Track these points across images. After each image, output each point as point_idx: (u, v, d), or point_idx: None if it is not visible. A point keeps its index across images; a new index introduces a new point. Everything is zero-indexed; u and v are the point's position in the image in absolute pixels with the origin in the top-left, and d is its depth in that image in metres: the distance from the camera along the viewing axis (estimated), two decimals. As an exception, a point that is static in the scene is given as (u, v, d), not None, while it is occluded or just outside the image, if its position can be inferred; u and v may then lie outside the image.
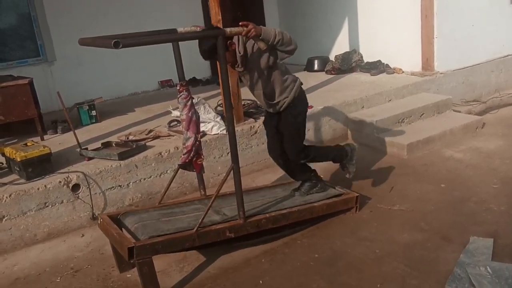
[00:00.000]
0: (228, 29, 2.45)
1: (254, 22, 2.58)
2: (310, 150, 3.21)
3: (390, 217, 3.21)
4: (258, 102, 3.31)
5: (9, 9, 5.69)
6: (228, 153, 3.75)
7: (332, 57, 6.77)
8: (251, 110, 4.52)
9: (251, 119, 4.30)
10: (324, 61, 6.79)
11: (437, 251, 2.73)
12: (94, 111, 5.04)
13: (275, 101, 2.97)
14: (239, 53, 2.75)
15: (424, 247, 2.79)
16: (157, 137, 4.09)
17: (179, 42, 2.79)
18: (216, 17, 3.81)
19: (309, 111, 3.56)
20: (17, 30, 5.76)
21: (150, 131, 4.28)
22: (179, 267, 2.83)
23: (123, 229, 2.76)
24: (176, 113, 4.35)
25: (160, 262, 2.81)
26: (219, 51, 2.45)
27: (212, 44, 2.52)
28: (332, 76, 6.33)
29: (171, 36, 2.33)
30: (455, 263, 2.55)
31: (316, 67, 6.83)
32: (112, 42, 2.08)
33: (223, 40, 2.45)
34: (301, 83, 3.06)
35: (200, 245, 2.68)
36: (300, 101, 3.05)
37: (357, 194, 3.30)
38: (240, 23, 2.54)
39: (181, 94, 2.86)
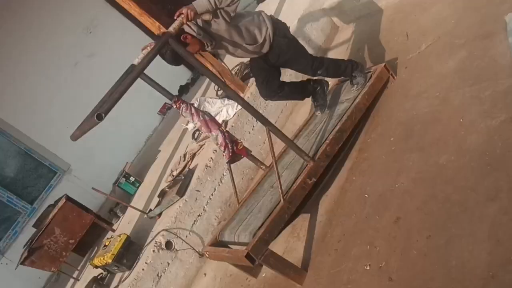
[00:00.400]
0: (170, 28, 2.38)
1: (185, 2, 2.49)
2: (322, 58, 3.16)
3: (425, 58, 3.09)
4: (247, 59, 3.23)
5: (7, 156, 5.82)
6: (257, 121, 3.73)
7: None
8: (246, 72, 4.45)
9: (252, 78, 4.23)
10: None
11: (485, 49, 2.62)
12: (131, 177, 5.13)
13: (261, 40, 2.88)
14: (200, 35, 2.66)
15: (472, 56, 2.68)
16: (193, 156, 4.11)
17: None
18: (154, 25, 3.72)
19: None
20: (24, 168, 5.90)
21: (184, 155, 4.31)
22: (295, 237, 2.87)
23: (229, 245, 2.83)
24: (190, 125, 4.35)
25: (277, 245, 2.87)
26: (179, 52, 2.39)
27: (171, 51, 2.46)
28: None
29: (134, 75, 2.27)
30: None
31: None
32: (95, 118, 2.08)
33: (174, 41, 2.38)
34: (269, 15, 2.97)
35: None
36: (277, 23, 2.97)
37: (383, 64, 3.18)
38: (175, 16, 2.46)
39: (181, 108, 2.83)
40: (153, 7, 3.63)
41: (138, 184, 5.11)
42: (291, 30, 4.24)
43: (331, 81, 3.56)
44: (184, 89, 6.71)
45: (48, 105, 6.06)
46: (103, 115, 2.05)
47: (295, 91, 3.29)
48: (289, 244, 2.86)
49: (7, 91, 5.84)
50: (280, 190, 2.57)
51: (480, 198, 2.00)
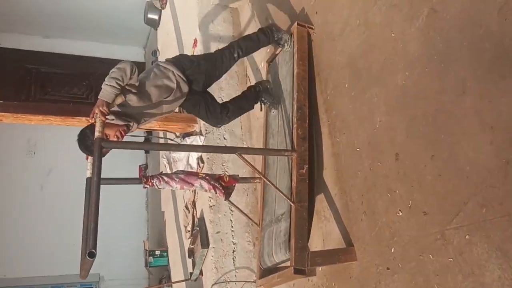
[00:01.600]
0: (96, 133, 2.27)
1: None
2: (233, 43, 3.12)
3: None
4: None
5: None
6: (225, 137, 3.71)
7: None
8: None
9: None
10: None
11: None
12: (156, 251, 5.08)
13: (175, 85, 2.79)
14: (113, 120, 2.58)
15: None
16: (194, 204, 4.08)
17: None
18: (82, 121, 3.59)
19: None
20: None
21: (186, 207, 4.27)
22: (324, 221, 2.87)
23: (275, 267, 2.82)
24: (174, 189, 4.30)
25: (315, 239, 2.87)
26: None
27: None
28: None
29: (94, 191, 2.15)
30: None
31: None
32: (88, 257, 2.04)
33: (107, 142, 2.33)
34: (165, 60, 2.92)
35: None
36: (176, 60, 2.92)
37: (296, 22, 3.11)
38: (90, 118, 2.39)
39: (154, 185, 2.78)
40: (67, 107, 3.54)
41: (165, 253, 5.09)
42: (198, 40, 4.21)
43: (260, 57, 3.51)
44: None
45: (42, 238, 6.00)
46: (94, 251, 2.01)
47: (241, 105, 3.21)
48: (323, 231, 2.86)
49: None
50: (284, 197, 2.55)
51: (452, 98, 1.99)
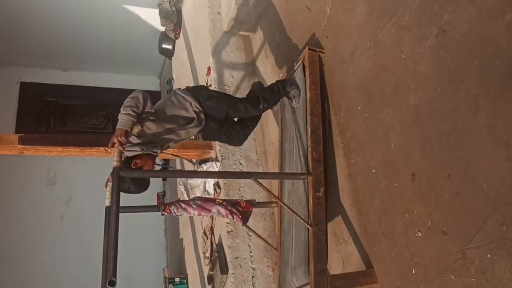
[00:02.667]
0: (114, 163, 2.34)
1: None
2: (253, 92, 3.14)
3: (336, 19, 3.07)
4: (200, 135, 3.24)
5: None
6: (240, 162, 3.73)
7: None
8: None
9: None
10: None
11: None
12: (175, 278, 5.08)
13: (194, 115, 2.85)
14: (143, 149, 2.64)
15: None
16: (211, 229, 4.08)
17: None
18: (100, 151, 3.68)
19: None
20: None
21: (205, 233, 4.27)
22: (343, 243, 2.85)
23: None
24: (192, 215, 4.32)
25: (334, 262, 2.85)
26: (139, 176, 2.40)
27: (131, 180, 2.46)
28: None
29: (113, 221, 2.19)
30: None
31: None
32: (107, 285, 2.06)
33: (127, 170, 2.38)
34: (184, 89, 2.97)
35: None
36: (196, 90, 2.97)
37: (306, 47, 3.16)
38: (109, 149, 2.45)
39: (172, 210, 2.81)
40: (85, 138, 3.61)
41: (185, 280, 5.07)
42: (212, 68, 4.29)
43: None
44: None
45: (63, 267, 6.07)
46: (114, 279, 2.03)
47: (254, 117, 3.21)
48: (342, 253, 2.84)
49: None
50: (302, 220, 2.55)
51: (465, 115, 1.99)
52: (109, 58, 7.10)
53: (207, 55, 4.49)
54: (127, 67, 7.35)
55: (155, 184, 6.67)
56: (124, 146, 2.44)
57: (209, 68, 4.38)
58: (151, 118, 2.65)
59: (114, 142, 2.41)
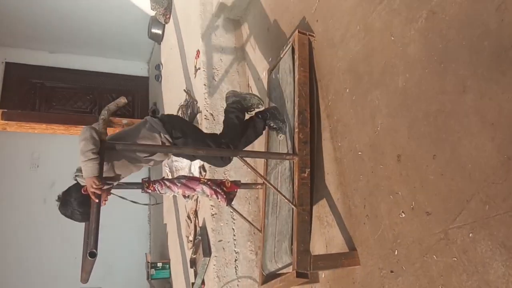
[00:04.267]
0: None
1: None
2: (225, 131, 2.91)
3: (327, 2, 3.07)
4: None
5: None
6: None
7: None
8: (190, 112, 4.40)
9: (199, 114, 4.17)
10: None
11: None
12: (158, 263, 5.05)
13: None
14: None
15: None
16: (195, 213, 4.07)
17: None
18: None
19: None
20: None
21: (188, 217, 4.26)
22: (327, 226, 2.86)
23: (277, 273, 2.80)
24: (176, 194, 4.29)
25: (318, 244, 2.85)
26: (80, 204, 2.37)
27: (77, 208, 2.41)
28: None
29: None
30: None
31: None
32: (89, 257, 2.04)
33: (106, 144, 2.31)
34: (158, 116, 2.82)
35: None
36: (170, 121, 2.78)
37: (296, 30, 3.14)
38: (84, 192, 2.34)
39: (156, 189, 2.78)
40: (71, 116, 3.56)
41: (167, 265, 5.05)
42: (201, 51, 4.25)
43: (262, 67, 3.54)
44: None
45: (44, 251, 5.99)
46: (95, 251, 2.01)
47: (248, 137, 2.98)
48: (326, 236, 2.84)
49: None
50: (287, 200, 2.54)
51: (452, 97, 2.00)
52: (97, 41, 7.01)
53: (197, 39, 4.45)
54: (115, 52, 7.26)
55: (141, 170, 6.61)
56: (101, 187, 2.27)
57: (198, 52, 4.34)
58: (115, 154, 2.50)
59: (90, 192, 2.25)
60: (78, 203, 2.42)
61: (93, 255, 2.01)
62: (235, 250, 3.62)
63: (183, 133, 2.72)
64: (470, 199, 1.87)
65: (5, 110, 3.39)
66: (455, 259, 1.92)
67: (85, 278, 2.40)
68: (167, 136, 2.67)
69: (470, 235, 1.86)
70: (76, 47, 7.08)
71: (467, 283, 1.85)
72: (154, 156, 2.71)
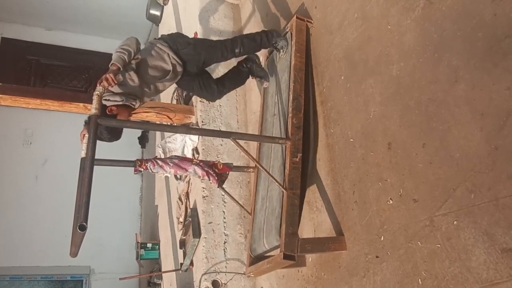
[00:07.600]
0: (92, 110, 2.30)
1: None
2: (233, 38, 3.22)
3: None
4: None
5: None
6: (221, 129, 3.73)
7: None
8: (185, 94, 4.39)
9: (194, 97, 4.17)
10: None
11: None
12: (148, 244, 5.08)
13: (171, 67, 2.89)
14: (122, 100, 2.63)
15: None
16: (187, 194, 4.09)
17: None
18: (79, 107, 3.62)
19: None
20: None
21: (180, 198, 4.28)
22: (316, 211, 2.89)
23: (265, 255, 2.83)
24: (168, 175, 4.31)
25: (306, 228, 2.89)
26: (113, 126, 2.38)
27: (105, 129, 2.44)
28: None
29: (88, 170, 2.16)
30: None
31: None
32: (79, 230, 2.05)
33: (104, 119, 2.34)
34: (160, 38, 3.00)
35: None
36: (173, 39, 2.98)
37: (295, 15, 3.15)
38: (98, 84, 2.42)
39: (148, 168, 2.79)
40: (65, 93, 3.55)
41: (157, 246, 5.08)
42: (199, 34, 4.23)
43: (262, 57, 3.54)
44: (143, 138, 6.66)
45: (34, 228, 5.98)
46: (85, 224, 2.02)
47: (234, 80, 3.33)
48: (314, 221, 2.88)
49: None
50: (277, 184, 2.57)
51: (444, 86, 2.02)
52: (95, 21, 6.94)
53: (195, 21, 4.43)
54: (113, 32, 7.19)
55: (134, 151, 6.63)
56: (113, 83, 2.43)
57: (195, 34, 4.32)
58: (135, 68, 2.64)
59: (104, 80, 2.40)
60: (105, 132, 2.60)
61: (82, 228, 2.02)
62: (224, 233, 3.66)
63: (186, 44, 2.95)
64: (456, 188, 1.90)
65: (0, 84, 3.36)
66: (439, 245, 1.96)
67: (74, 252, 2.41)
68: (174, 56, 2.88)
69: (455, 222, 1.89)
70: (73, 25, 7.01)
71: (449, 269, 1.89)
72: (165, 79, 2.88)
